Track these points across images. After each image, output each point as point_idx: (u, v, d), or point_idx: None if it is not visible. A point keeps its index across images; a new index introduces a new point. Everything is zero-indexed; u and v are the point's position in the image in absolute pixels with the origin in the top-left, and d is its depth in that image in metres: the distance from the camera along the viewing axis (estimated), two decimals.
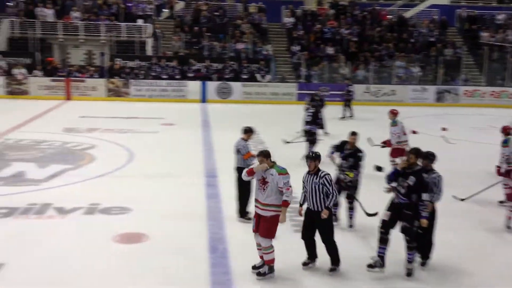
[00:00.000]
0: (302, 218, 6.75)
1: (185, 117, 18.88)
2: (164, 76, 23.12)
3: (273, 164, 6.49)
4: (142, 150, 13.40)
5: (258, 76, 23.54)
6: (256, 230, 6.49)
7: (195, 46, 25.01)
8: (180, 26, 25.67)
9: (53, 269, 6.56)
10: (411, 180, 6.40)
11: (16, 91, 22.18)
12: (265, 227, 6.36)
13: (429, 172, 6.85)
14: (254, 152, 7.80)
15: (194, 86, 22.99)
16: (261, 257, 6.54)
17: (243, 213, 8.49)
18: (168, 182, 10.65)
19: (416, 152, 6.65)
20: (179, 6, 28.39)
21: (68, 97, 22.34)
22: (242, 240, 7.54)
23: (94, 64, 24.57)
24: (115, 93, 22.68)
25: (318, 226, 6.56)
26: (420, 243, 6.71)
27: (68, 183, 10.34)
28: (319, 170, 6.56)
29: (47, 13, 24.86)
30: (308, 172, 6.64)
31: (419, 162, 6.68)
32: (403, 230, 6.51)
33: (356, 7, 28.27)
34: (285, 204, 6.37)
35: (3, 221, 8.18)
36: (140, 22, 25.37)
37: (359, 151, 8.29)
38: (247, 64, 23.78)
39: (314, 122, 12.82)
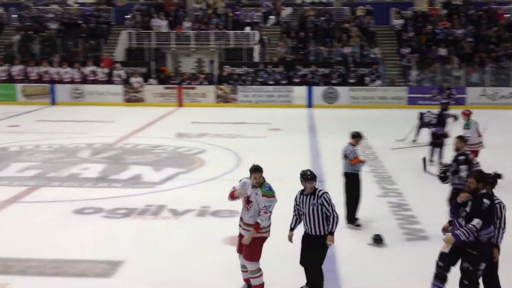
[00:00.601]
0: (293, 244, 6.06)
1: (292, 122, 18.97)
2: (271, 82, 23.40)
3: (262, 182, 5.96)
4: (250, 154, 13.62)
5: (367, 79, 23.12)
6: (239, 251, 6.07)
7: (301, 51, 25.08)
8: (287, 32, 25.88)
9: (169, 268, 6.86)
10: (469, 206, 5.36)
11: (133, 98, 23.55)
12: (247, 250, 5.91)
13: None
14: (363, 157, 7.64)
15: (300, 91, 23.05)
16: (246, 280, 6.11)
17: (352, 219, 8.35)
18: (276, 187, 10.71)
19: (478, 176, 5.49)
20: (286, 12, 28.64)
21: (180, 104, 23.33)
22: (350, 246, 7.41)
23: (204, 71, 25.47)
24: (223, 99, 23.33)
25: (312, 250, 5.86)
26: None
27: (181, 186, 10.78)
28: (316, 188, 5.91)
29: (161, 24, 26.17)
30: (302, 192, 5.99)
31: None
32: (464, 272, 5.44)
33: (470, 7, 26.87)
34: (256, 227, 5.85)
35: (122, 221, 8.69)
36: (247, 29, 25.93)
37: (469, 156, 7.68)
38: (354, 68, 23.44)
39: (440, 123, 12.27)
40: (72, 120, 19.32)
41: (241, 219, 6.07)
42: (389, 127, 17.74)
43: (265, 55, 25.36)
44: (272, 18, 28.53)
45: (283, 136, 16.54)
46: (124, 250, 7.42)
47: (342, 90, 22.87)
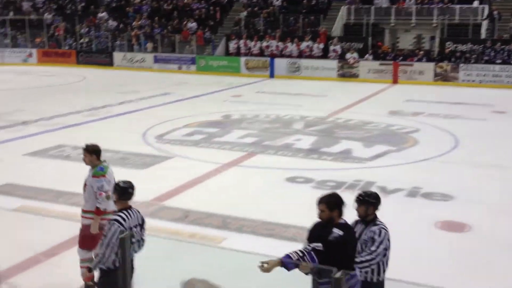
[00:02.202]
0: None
1: None
2: (498, 61, 21.38)
3: (96, 164, 5.51)
4: (468, 137, 12.70)
5: None
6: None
7: None
8: None
9: None
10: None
11: (347, 74, 23.61)
12: (80, 236, 5.54)
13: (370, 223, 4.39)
14: None
15: None
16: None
17: None
18: (495, 173, 9.85)
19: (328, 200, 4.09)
20: None
21: (395, 81, 22.68)
22: None
23: (423, 48, 24.32)
24: (442, 78, 22.05)
25: None
26: None
27: (391, 164, 10.51)
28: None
29: (382, 0, 25.62)
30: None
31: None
32: None
33: None
34: (97, 211, 5.38)
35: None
36: (475, 4, 23.96)
37: None
38: None
39: None
40: (288, 93, 20.15)
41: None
42: None
43: (494, 31, 23.19)
44: None
45: (508, 120, 15.03)
46: None
47: None
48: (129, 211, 4.66)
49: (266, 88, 21.69)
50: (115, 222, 4.53)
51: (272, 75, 24.83)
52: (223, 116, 15.34)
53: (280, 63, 24.79)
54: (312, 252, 3.83)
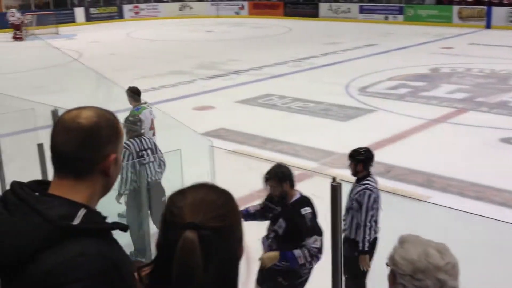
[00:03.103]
0: None
1: None
2: None
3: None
4: None
5: None
6: None
7: None
8: None
9: None
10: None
11: None
12: None
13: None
14: None
15: None
16: None
17: None
18: None
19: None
20: None
21: None
22: None
23: None
24: None
25: None
26: None
27: None
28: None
29: None
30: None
31: None
32: None
33: None
34: None
35: None
36: None
37: None
38: None
39: None
40: (506, 45, 18.22)
41: None
42: None
43: None
44: None
45: None
46: None
47: None
48: (137, 138, 5.51)
49: (481, 39, 19.89)
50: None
51: (488, 25, 22.68)
52: (431, 69, 14.53)
53: (499, 12, 22.45)
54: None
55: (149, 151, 5.53)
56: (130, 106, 6.78)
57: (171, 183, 5.16)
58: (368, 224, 4.19)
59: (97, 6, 30.71)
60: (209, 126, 9.65)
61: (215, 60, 17.06)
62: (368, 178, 4.30)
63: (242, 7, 31.77)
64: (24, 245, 1.28)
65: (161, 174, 5.57)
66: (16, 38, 23.24)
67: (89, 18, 29.77)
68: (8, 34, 23.90)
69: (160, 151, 5.62)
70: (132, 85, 7.40)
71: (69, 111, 1.44)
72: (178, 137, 6.02)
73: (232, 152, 8.19)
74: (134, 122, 5.64)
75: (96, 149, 1.41)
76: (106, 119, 1.44)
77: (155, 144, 5.70)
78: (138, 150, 5.48)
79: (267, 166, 3.86)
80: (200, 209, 1.24)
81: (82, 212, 1.33)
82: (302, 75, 14.61)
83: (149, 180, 5.34)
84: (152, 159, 5.49)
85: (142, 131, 5.77)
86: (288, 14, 29.65)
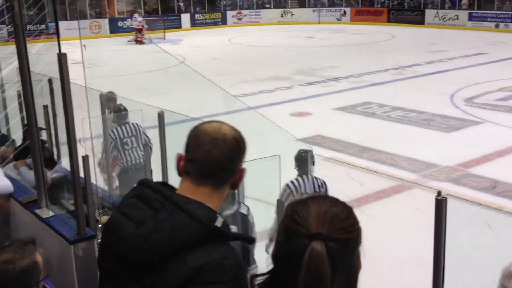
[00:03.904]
0: None
1: None
2: None
3: None
4: None
5: None
6: None
7: None
8: None
9: None
10: None
11: None
12: None
13: None
14: None
15: None
16: None
17: None
18: None
19: None
20: None
21: None
22: None
23: None
24: None
25: None
26: None
27: None
28: None
29: None
30: None
31: None
32: None
33: None
34: None
35: None
36: None
37: None
38: None
39: None
40: None
41: None
42: None
43: None
44: None
45: None
46: None
47: None
48: (121, 126, 5.93)
49: None
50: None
51: None
52: None
53: None
54: None
55: (133, 138, 6.01)
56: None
57: (267, 188, 5.19)
58: None
59: (202, 13, 31.79)
60: (306, 132, 9.62)
61: (314, 67, 17.02)
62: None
63: (344, 13, 31.50)
64: (175, 242, 1.35)
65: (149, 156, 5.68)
66: (137, 41, 24.67)
67: (194, 24, 30.87)
68: (121, 39, 25.38)
69: (146, 135, 6.04)
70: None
71: (207, 123, 1.52)
72: (277, 143, 6.07)
73: (328, 160, 8.12)
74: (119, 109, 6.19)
75: (237, 161, 1.49)
76: (240, 134, 1.51)
77: (139, 130, 6.06)
78: (122, 137, 5.97)
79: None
80: (325, 221, 1.25)
81: (220, 219, 1.41)
82: (404, 83, 14.19)
83: (134, 162, 5.98)
84: (135, 144, 5.99)
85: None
86: (392, 20, 28.98)
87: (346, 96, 12.77)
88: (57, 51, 2.27)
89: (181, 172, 1.51)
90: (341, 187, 6.98)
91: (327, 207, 1.29)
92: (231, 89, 12.19)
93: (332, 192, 6.94)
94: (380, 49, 20.98)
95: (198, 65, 17.24)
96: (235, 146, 1.47)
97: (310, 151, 5.21)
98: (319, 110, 11.65)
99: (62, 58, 2.24)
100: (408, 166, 7.95)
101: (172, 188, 1.50)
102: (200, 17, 31.49)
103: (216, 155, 1.44)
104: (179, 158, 1.52)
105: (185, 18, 30.92)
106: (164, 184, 1.52)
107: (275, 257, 1.31)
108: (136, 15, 25.58)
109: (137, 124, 6.18)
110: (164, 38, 26.06)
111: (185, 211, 1.38)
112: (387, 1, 30.27)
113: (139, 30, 24.85)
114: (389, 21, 29.06)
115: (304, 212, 1.27)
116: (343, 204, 1.32)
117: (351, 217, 1.30)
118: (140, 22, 24.99)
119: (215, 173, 1.46)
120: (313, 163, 5.11)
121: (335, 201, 1.33)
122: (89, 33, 25.92)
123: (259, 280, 1.35)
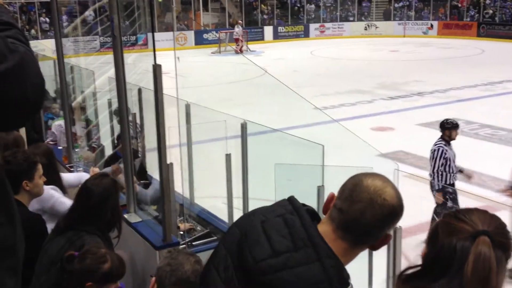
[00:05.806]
0: None
1: None
2: None
3: None
4: None
5: None
6: None
7: None
8: None
9: None
10: None
11: None
12: None
13: None
14: None
15: None
16: None
17: None
18: None
19: None
20: None
21: None
22: None
23: None
24: None
25: None
26: None
27: None
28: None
29: None
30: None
31: None
32: None
33: None
34: None
35: None
36: None
37: None
38: None
39: None
40: None
41: None
42: None
43: None
44: None
45: None
46: None
47: None
48: None
49: None
50: None
51: None
52: None
53: None
54: None
55: None
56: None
57: None
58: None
59: (285, 25, 32.02)
60: (388, 147, 9.41)
61: (397, 81, 16.65)
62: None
63: (431, 27, 30.61)
64: (297, 287, 1.34)
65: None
66: (236, 51, 25.39)
67: (277, 36, 31.13)
68: (205, 50, 26.09)
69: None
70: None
71: (372, 177, 1.44)
72: (359, 157, 5.98)
73: (411, 176, 7.89)
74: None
75: (387, 229, 1.44)
76: (401, 202, 1.43)
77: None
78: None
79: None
80: (491, 223, 1.30)
81: (347, 278, 1.38)
82: (494, 100, 13.57)
83: None
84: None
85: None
86: (482, 35, 27.82)
87: (430, 112, 12.38)
88: (147, 61, 2.36)
89: (326, 212, 1.47)
90: (425, 206, 6.79)
91: (489, 214, 1.33)
92: (311, 102, 12.16)
93: (417, 211, 6.74)
94: (468, 64, 20.19)
95: (279, 77, 17.30)
96: (390, 214, 1.41)
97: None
98: (402, 125, 11.37)
99: (157, 69, 2.32)
100: (496, 186, 7.57)
101: (317, 221, 1.46)
102: (283, 29, 31.72)
103: (367, 219, 1.39)
104: (331, 198, 1.47)
105: (268, 30, 31.26)
106: (313, 214, 1.48)
107: (428, 255, 1.33)
108: (236, 26, 26.34)
109: None
110: (248, 50, 26.49)
111: (323, 266, 1.34)
112: (477, 15, 29.12)
113: (237, 41, 25.54)
114: (479, 35, 27.90)
115: (468, 214, 1.32)
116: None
117: (508, 231, 1.32)
118: (237, 33, 25.68)
119: (359, 235, 1.42)
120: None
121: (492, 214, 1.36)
122: (175, 45, 26.85)
123: (409, 272, 1.35)
